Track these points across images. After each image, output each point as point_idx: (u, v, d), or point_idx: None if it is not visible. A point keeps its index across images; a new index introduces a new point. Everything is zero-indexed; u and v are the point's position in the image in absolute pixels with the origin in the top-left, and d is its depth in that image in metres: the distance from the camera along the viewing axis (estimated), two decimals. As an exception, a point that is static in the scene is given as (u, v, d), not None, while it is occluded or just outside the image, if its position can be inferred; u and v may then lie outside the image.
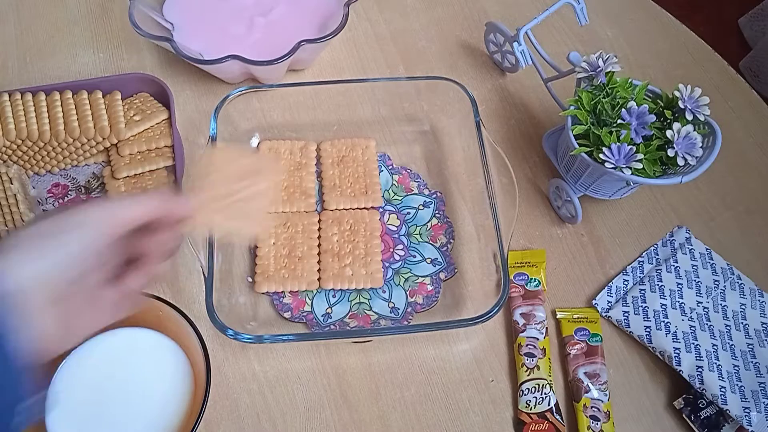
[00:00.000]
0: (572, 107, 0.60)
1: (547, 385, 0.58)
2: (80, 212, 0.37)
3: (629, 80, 0.60)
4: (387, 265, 0.64)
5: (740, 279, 0.64)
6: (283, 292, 0.62)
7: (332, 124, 0.71)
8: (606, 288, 0.64)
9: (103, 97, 0.68)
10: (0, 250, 0.34)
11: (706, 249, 0.66)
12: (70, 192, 0.67)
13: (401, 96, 0.72)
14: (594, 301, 0.64)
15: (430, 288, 0.63)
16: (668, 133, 0.56)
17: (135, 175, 0.66)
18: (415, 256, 0.65)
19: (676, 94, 0.58)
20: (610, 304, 0.63)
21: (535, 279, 0.63)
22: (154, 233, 0.41)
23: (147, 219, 0.40)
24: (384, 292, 0.63)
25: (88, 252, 0.36)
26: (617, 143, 0.56)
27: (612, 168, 0.56)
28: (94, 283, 0.39)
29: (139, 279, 0.41)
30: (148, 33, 0.68)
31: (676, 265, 0.64)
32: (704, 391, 0.57)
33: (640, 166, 0.56)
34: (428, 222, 0.67)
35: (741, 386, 0.57)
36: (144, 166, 0.66)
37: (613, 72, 0.59)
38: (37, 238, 0.35)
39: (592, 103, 0.59)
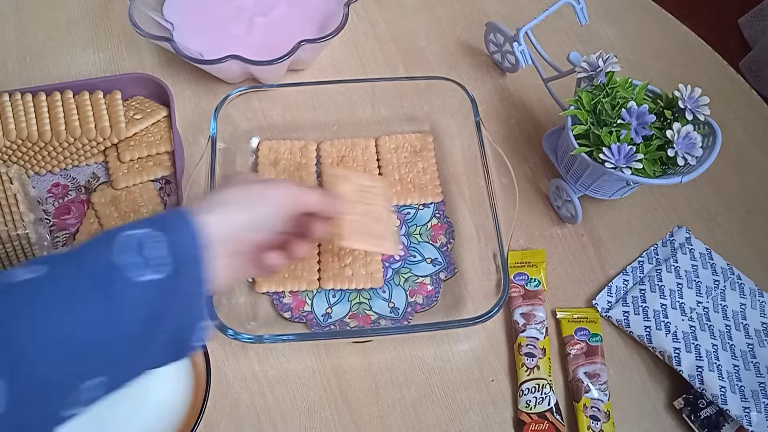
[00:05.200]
0: (572, 107, 0.60)
1: (547, 385, 0.58)
2: (269, 189, 0.46)
3: (629, 80, 0.60)
4: (387, 265, 0.64)
5: (740, 279, 0.64)
6: (283, 292, 0.62)
7: (332, 124, 0.71)
8: (606, 288, 0.64)
9: (103, 96, 0.68)
10: (209, 206, 0.43)
11: (706, 249, 0.66)
12: (70, 192, 0.67)
13: (401, 96, 0.72)
14: (594, 301, 0.64)
15: (430, 288, 0.63)
16: (668, 133, 0.56)
17: (133, 184, 0.67)
18: (415, 256, 0.65)
19: (676, 94, 0.58)
20: (610, 304, 0.63)
21: (535, 279, 0.63)
22: (311, 221, 0.50)
23: (315, 209, 0.49)
24: (384, 292, 0.63)
25: (267, 222, 0.46)
26: (617, 143, 0.56)
27: (612, 168, 0.56)
28: (260, 247, 0.48)
29: (302, 247, 0.50)
30: (148, 33, 0.68)
31: (676, 265, 0.64)
32: (704, 391, 0.57)
33: (640, 166, 0.56)
34: (428, 222, 0.67)
35: (741, 386, 0.57)
36: (142, 176, 0.67)
37: (613, 72, 0.59)
38: (233, 204, 0.44)
39: (592, 103, 0.59)
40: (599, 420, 0.57)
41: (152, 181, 0.68)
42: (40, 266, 0.37)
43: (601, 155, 0.56)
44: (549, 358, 0.60)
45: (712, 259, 0.65)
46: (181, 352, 0.42)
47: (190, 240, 0.40)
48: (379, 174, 0.69)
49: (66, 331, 0.35)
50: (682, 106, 0.57)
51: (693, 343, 0.59)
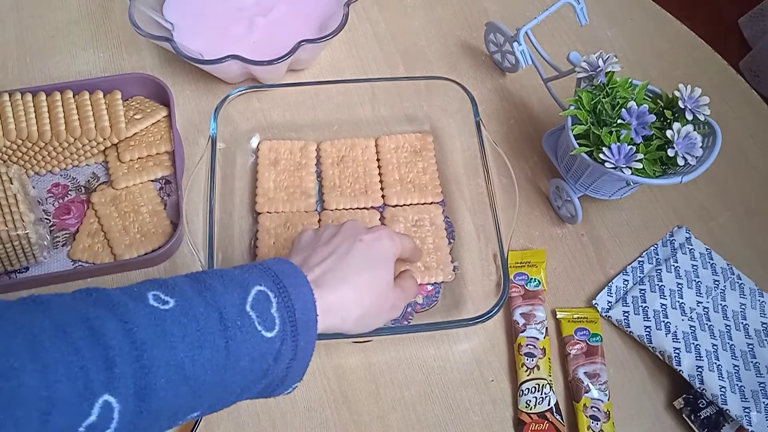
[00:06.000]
0: (572, 107, 0.59)
1: (547, 385, 0.58)
2: (382, 249, 0.50)
3: (629, 80, 0.60)
4: (387, 265, 0.64)
5: (740, 279, 0.64)
6: (283, 292, 0.62)
7: (332, 124, 0.71)
8: (606, 288, 0.64)
9: (103, 96, 0.68)
10: (329, 281, 0.45)
11: (706, 249, 0.66)
12: (70, 192, 0.67)
13: (401, 96, 0.72)
14: (594, 301, 0.64)
15: (430, 288, 0.63)
16: (668, 133, 0.56)
17: (133, 184, 0.67)
18: (415, 256, 0.65)
19: (676, 94, 0.58)
20: (610, 304, 0.63)
21: (535, 279, 0.63)
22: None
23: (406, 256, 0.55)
24: (384, 292, 0.63)
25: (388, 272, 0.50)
26: (617, 143, 0.56)
27: (612, 168, 0.56)
28: (385, 285, 0.50)
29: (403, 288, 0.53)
30: (148, 33, 0.68)
31: (676, 265, 0.64)
32: (704, 391, 0.57)
33: (640, 166, 0.56)
34: (428, 222, 0.67)
35: (741, 386, 0.57)
36: (142, 176, 0.67)
37: (613, 72, 0.59)
38: (353, 287, 0.46)
39: (592, 103, 0.59)
40: (599, 420, 0.57)
41: (152, 181, 0.68)
42: (170, 297, 0.37)
43: (601, 155, 0.56)
44: (549, 358, 0.60)
45: (712, 259, 0.65)
46: (264, 397, 0.43)
47: (310, 313, 0.42)
48: (379, 174, 0.69)
49: (191, 367, 0.35)
50: (682, 106, 0.57)
51: (693, 343, 0.59)
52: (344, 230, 0.50)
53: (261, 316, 0.39)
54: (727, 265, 0.65)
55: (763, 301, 0.63)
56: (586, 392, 0.58)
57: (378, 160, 0.70)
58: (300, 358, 0.42)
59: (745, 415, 0.56)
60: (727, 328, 0.61)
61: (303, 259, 0.47)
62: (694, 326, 0.61)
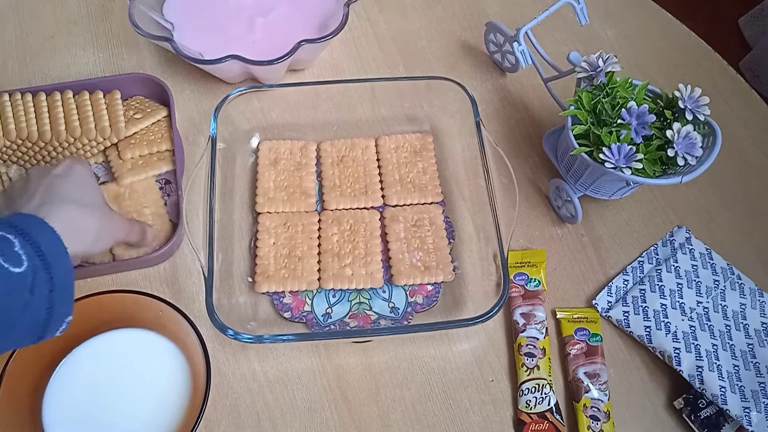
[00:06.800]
0: (572, 107, 0.60)
1: (547, 385, 0.58)
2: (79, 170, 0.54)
3: (629, 80, 0.60)
4: (387, 265, 0.64)
5: (740, 279, 0.64)
6: (283, 292, 0.62)
7: (332, 124, 0.71)
8: (606, 288, 0.64)
9: (103, 96, 0.68)
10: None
11: (706, 249, 0.66)
12: (70, 192, 0.67)
13: (401, 96, 0.72)
14: (594, 301, 0.64)
15: (430, 288, 0.63)
16: (668, 133, 0.56)
17: (137, 180, 0.67)
18: (415, 256, 0.65)
19: (676, 94, 0.58)
20: (610, 304, 0.63)
21: (535, 279, 0.63)
22: None
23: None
24: (384, 292, 0.63)
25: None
26: (617, 143, 0.56)
27: (612, 168, 0.56)
28: (102, 198, 0.56)
29: None
30: (148, 33, 0.68)
31: (676, 265, 0.64)
32: (704, 391, 0.57)
33: (640, 166, 0.56)
34: (428, 222, 0.67)
35: (741, 386, 0.57)
36: (146, 171, 0.67)
37: (613, 72, 0.59)
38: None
39: (592, 103, 0.59)
40: (599, 420, 0.57)
41: (155, 180, 0.67)
42: None
43: (601, 155, 0.56)
44: (549, 358, 0.60)
45: (712, 259, 0.65)
46: (39, 337, 0.45)
47: (58, 246, 0.45)
48: (379, 174, 0.69)
49: None
50: (682, 106, 0.57)
51: (693, 343, 0.59)
52: (32, 176, 0.53)
53: (4, 255, 0.41)
54: (727, 265, 0.65)
55: (763, 301, 0.63)
56: (586, 392, 0.58)
57: (378, 160, 0.70)
58: (60, 289, 0.44)
59: (745, 415, 0.56)
60: (727, 328, 0.61)
61: (18, 209, 0.49)
62: (694, 326, 0.61)
